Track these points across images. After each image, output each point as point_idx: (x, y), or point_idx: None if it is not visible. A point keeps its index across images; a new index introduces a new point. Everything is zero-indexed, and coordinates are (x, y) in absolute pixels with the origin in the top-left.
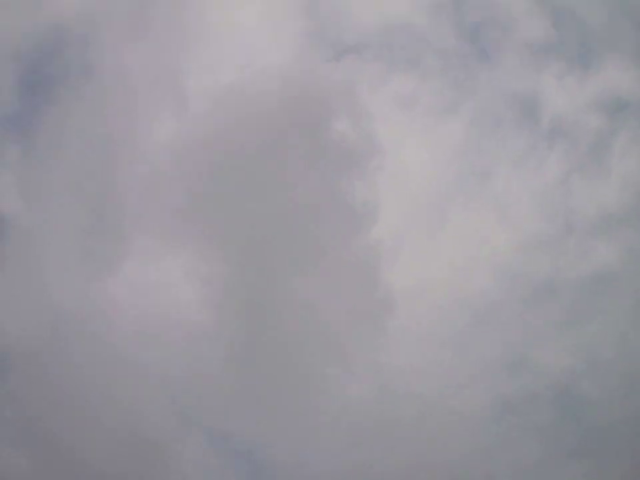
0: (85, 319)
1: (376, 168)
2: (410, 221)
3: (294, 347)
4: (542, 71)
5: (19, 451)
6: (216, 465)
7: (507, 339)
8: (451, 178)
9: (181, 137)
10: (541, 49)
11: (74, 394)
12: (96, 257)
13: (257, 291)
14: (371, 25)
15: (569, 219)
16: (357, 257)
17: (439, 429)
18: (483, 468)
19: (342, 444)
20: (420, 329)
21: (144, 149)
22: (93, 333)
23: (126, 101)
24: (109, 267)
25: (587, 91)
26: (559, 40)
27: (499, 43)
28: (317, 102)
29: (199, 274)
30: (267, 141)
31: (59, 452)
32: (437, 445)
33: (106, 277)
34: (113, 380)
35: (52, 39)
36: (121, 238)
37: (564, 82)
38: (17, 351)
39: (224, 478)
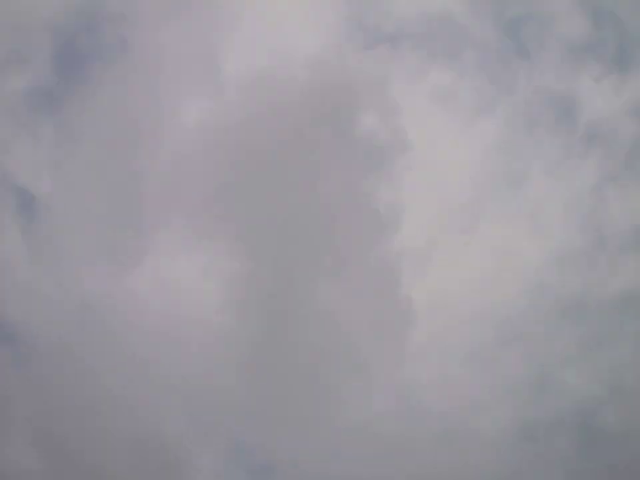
0: (106, 311)
1: (403, 168)
2: (438, 227)
3: (313, 355)
4: (580, 72)
5: (31, 449)
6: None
7: (532, 357)
8: (482, 182)
9: (208, 124)
10: (580, 48)
11: (90, 391)
12: (120, 248)
13: (277, 294)
14: (411, 16)
15: (602, 232)
16: (380, 265)
17: (459, 451)
18: None
19: (362, 459)
20: (443, 343)
21: (171, 135)
22: (113, 327)
23: (158, 82)
24: (132, 260)
25: (625, 95)
26: (599, 41)
27: (539, 40)
28: (347, 94)
29: (220, 273)
30: (293, 133)
31: (71, 454)
32: (456, 467)
33: (129, 269)
34: (130, 377)
35: (88, 14)
36: (145, 231)
37: (602, 84)
38: (38, 341)
39: None
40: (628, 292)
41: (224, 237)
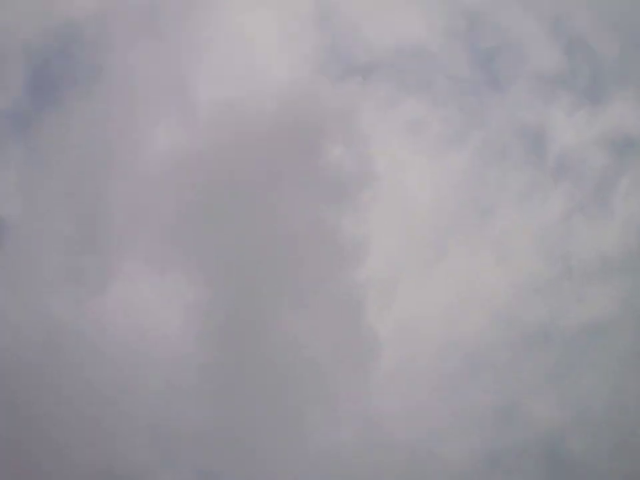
0: (70, 334)
1: (370, 200)
2: (405, 257)
3: (277, 383)
4: (552, 104)
5: None
6: None
7: (498, 386)
8: (451, 212)
9: (176, 152)
10: (552, 80)
11: (52, 417)
12: (85, 274)
13: (240, 321)
14: (385, 48)
15: (568, 262)
16: (343, 296)
17: (425, 479)
18: None
19: None
20: (409, 373)
21: (139, 162)
22: (78, 350)
23: (129, 109)
24: (97, 285)
25: (596, 127)
26: (571, 72)
27: (511, 72)
28: (315, 125)
29: (184, 300)
30: (260, 164)
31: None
32: None
33: (94, 294)
34: (93, 403)
35: (62, 39)
36: (110, 258)
37: (573, 116)
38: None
39: None
40: (594, 321)
41: (188, 264)
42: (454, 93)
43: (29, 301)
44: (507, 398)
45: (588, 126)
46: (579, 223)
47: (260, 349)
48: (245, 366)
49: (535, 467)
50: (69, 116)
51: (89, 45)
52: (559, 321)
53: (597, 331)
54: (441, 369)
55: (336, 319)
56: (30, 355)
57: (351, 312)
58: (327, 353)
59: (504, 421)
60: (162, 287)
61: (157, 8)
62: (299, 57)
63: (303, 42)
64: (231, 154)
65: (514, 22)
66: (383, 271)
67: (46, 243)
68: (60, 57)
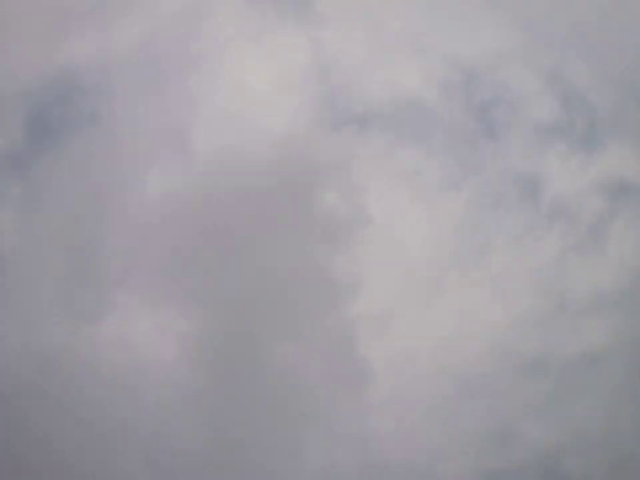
0: (66, 364)
1: (364, 240)
2: (400, 292)
3: (272, 406)
4: (547, 152)
5: None
6: None
7: (494, 410)
8: (446, 253)
9: (173, 194)
10: (548, 129)
11: (47, 442)
12: (80, 306)
13: (233, 350)
14: (381, 98)
15: (563, 298)
16: (336, 330)
17: None
18: None
19: None
20: (404, 396)
21: (136, 202)
22: (72, 379)
23: (126, 154)
24: (92, 317)
25: (590, 174)
26: (566, 122)
27: (507, 122)
28: (310, 173)
29: (178, 332)
30: (255, 208)
31: None
32: None
33: (89, 326)
34: (88, 428)
35: (61, 85)
36: (105, 291)
37: (568, 164)
38: None
39: None
40: (587, 352)
41: (183, 299)
42: (450, 143)
43: (26, 331)
44: (503, 421)
45: (583, 172)
46: (574, 262)
47: (254, 376)
48: (239, 392)
49: None
50: (66, 158)
51: (88, 91)
52: (554, 351)
53: (590, 361)
54: (436, 393)
55: (329, 349)
56: (27, 381)
57: (344, 343)
58: (321, 378)
59: (500, 443)
60: (156, 319)
61: (156, 57)
62: (296, 106)
63: (300, 91)
64: (226, 198)
65: (510, 74)
66: (376, 305)
67: (42, 277)
68: (59, 101)
